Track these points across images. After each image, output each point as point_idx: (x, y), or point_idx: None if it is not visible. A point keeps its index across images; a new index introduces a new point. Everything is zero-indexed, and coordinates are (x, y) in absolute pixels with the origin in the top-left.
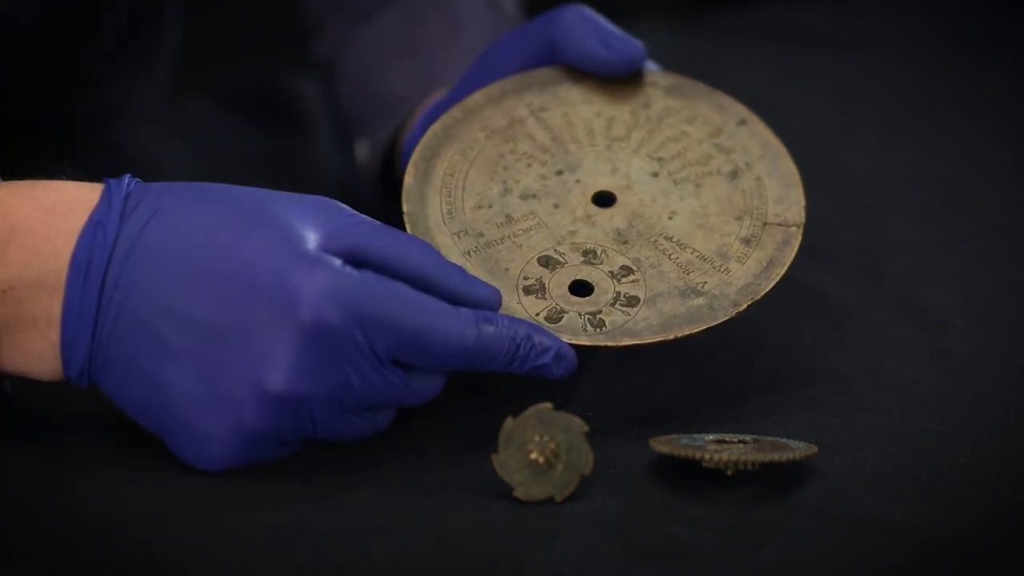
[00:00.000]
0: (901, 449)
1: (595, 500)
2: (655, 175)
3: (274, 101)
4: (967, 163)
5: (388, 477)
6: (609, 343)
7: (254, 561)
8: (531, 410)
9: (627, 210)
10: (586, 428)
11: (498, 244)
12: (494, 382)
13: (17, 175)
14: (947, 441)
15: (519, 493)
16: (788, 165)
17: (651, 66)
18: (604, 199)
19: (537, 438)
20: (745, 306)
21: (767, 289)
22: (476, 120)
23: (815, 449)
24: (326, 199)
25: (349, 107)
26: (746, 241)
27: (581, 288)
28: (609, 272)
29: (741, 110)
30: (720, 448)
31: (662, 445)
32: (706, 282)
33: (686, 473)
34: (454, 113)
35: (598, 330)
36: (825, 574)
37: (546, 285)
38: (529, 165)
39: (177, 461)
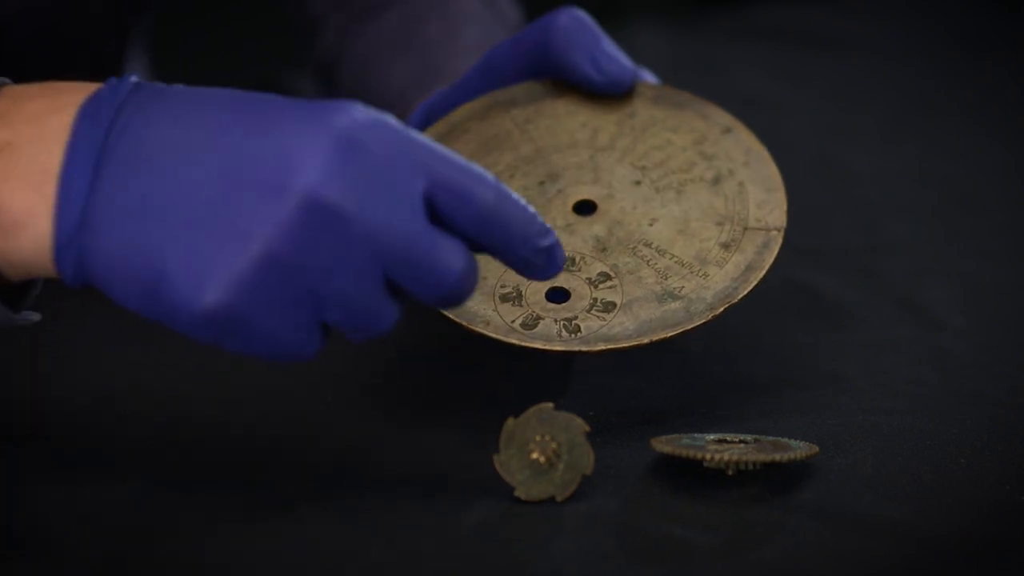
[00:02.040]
0: (901, 449)
1: (596, 500)
2: (637, 183)
3: None
4: (967, 163)
5: (388, 477)
6: (583, 348)
7: (253, 562)
8: (532, 410)
9: (608, 218)
10: (587, 428)
11: (476, 253)
12: (494, 382)
13: None
14: (947, 441)
15: (520, 493)
16: (771, 170)
17: (647, 76)
18: (585, 208)
19: (538, 438)
20: (721, 309)
21: (744, 292)
22: (461, 134)
23: (816, 449)
24: (353, 119)
25: None
26: (725, 246)
27: (558, 295)
28: (587, 279)
29: (726, 118)
30: (721, 448)
31: (663, 445)
32: (683, 286)
33: (687, 473)
34: (439, 127)
35: (573, 335)
36: (825, 574)
37: (523, 293)
38: (512, 176)
39: (177, 461)
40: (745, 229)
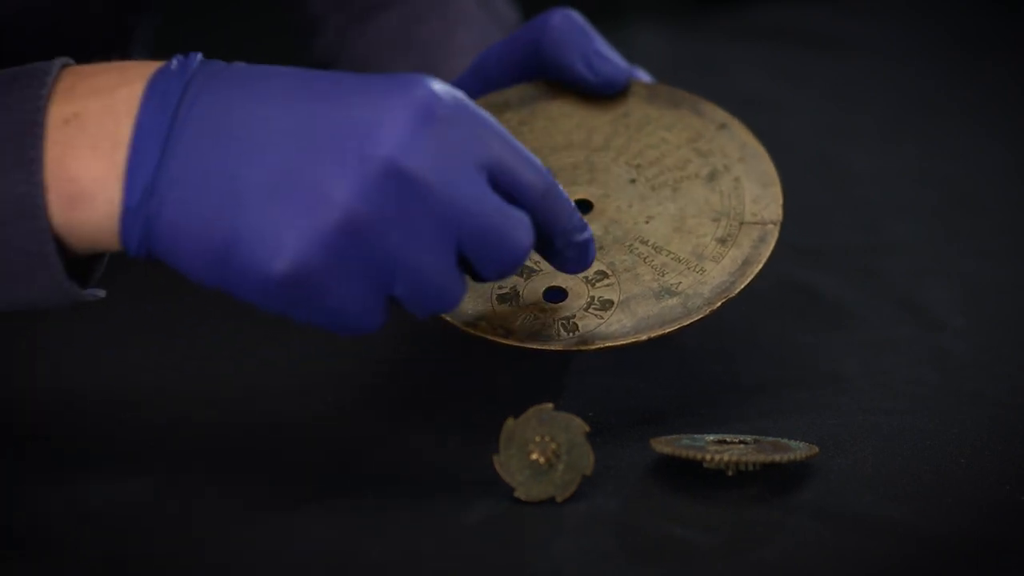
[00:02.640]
0: (901, 449)
1: (596, 500)
2: (633, 181)
3: None
4: (967, 163)
5: (388, 477)
6: (581, 347)
7: (254, 561)
8: (532, 410)
9: (604, 217)
10: (587, 428)
11: None
12: (494, 382)
13: None
14: (947, 441)
15: (520, 493)
16: (767, 165)
17: (641, 75)
18: (581, 207)
19: (538, 438)
20: (719, 304)
21: (742, 286)
22: None
23: (816, 449)
24: (426, 91)
25: None
26: (722, 241)
27: (556, 294)
28: (584, 278)
29: (721, 115)
30: (721, 449)
31: (663, 445)
32: (680, 282)
33: (687, 473)
34: None
35: (571, 334)
36: (825, 574)
37: (520, 293)
38: None
39: (177, 461)
40: (741, 224)
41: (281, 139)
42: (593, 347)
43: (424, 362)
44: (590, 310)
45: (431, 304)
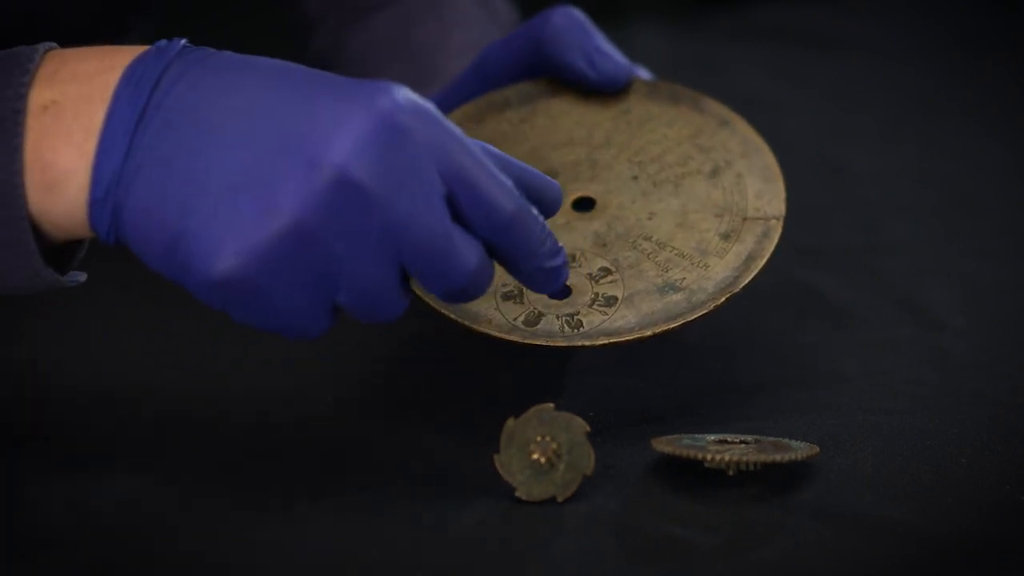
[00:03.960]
0: (901, 449)
1: (596, 500)
2: (635, 178)
3: None
4: (967, 163)
5: (388, 477)
6: (586, 343)
7: (254, 561)
8: (532, 410)
9: (607, 214)
10: (587, 428)
11: None
12: (494, 382)
13: None
14: (947, 441)
15: (521, 493)
16: (769, 160)
17: (640, 72)
18: (584, 204)
19: (538, 438)
20: (724, 299)
21: (746, 281)
22: None
23: (816, 449)
24: (392, 102)
25: None
26: (725, 236)
27: (559, 291)
28: (587, 274)
29: (723, 111)
30: (722, 448)
31: (664, 445)
32: (684, 278)
33: (687, 473)
34: None
35: (575, 331)
36: (825, 574)
37: (524, 291)
38: None
39: (177, 461)
40: (744, 219)
41: (241, 137)
42: (598, 343)
43: (424, 362)
44: (594, 306)
45: (373, 315)
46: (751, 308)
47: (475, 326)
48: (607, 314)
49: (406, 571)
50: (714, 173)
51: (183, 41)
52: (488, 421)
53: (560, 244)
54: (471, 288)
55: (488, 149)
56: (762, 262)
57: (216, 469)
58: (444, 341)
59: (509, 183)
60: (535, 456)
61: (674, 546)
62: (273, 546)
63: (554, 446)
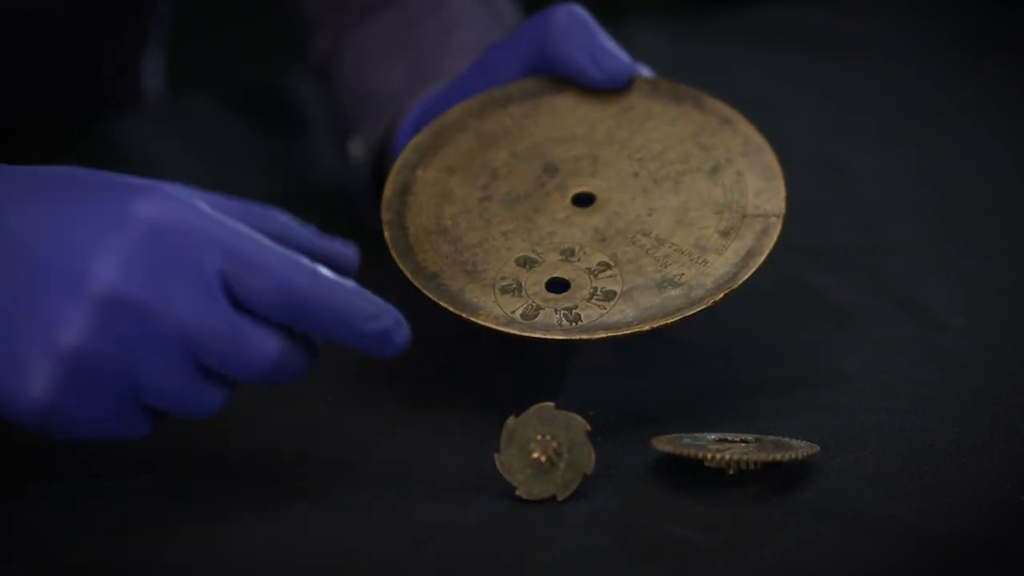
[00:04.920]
0: (902, 449)
1: (596, 500)
2: (635, 175)
3: (274, 101)
4: (967, 163)
5: (388, 477)
6: (584, 336)
7: (254, 561)
8: (533, 409)
9: (606, 210)
10: (588, 427)
11: (476, 247)
12: (494, 381)
13: None
14: (948, 440)
15: (521, 492)
16: (770, 159)
17: (643, 71)
18: (584, 199)
19: (539, 437)
20: (722, 295)
21: (745, 277)
22: (458, 132)
23: (817, 448)
24: (155, 214)
25: (347, 104)
26: (724, 233)
27: (558, 285)
28: (586, 269)
29: (724, 110)
30: (722, 447)
31: (664, 444)
32: (683, 273)
33: (687, 472)
34: (433, 127)
35: (573, 324)
36: (825, 573)
37: (523, 284)
38: (510, 171)
39: (177, 461)
40: (744, 216)
41: (9, 270)
42: (596, 337)
43: (424, 362)
44: (592, 300)
45: (190, 412)
46: (751, 308)
47: (473, 318)
48: (605, 308)
49: (406, 571)
50: (714, 171)
51: None
52: (488, 421)
53: (387, 304)
54: (280, 373)
55: (272, 225)
56: (761, 259)
57: (216, 469)
58: (444, 341)
59: (298, 259)
60: (535, 455)
61: (674, 546)
62: (273, 546)
63: (554, 445)
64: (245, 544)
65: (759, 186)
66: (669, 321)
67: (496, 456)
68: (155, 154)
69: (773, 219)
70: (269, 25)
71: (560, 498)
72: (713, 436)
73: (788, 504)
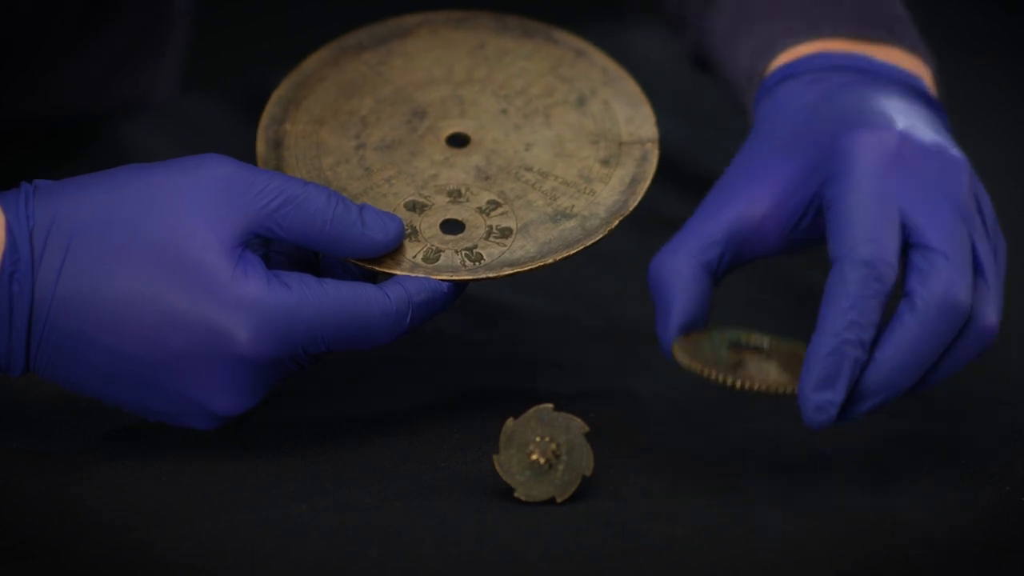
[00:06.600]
0: (901, 449)
1: (596, 500)
2: (504, 111)
3: None
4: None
5: (388, 477)
6: (490, 274)
7: (254, 561)
8: (532, 411)
9: (483, 148)
10: (587, 428)
11: (362, 196)
12: (493, 381)
13: (19, 175)
14: (947, 441)
15: (520, 494)
16: (632, 86)
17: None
18: (458, 140)
19: (538, 439)
20: (616, 223)
21: (635, 204)
22: (317, 83)
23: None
24: (221, 168)
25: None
26: (605, 162)
27: (452, 227)
28: (477, 208)
29: (577, 42)
30: (739, 355)
31: (685, 356)
32: (574, 205)
33: (687, 473)
34: (293, 78)
35: (477, 263)
36: (825, 574)
37: (418, 228)
38: (378, 118)
39: (177, 461)
40: (620, 144)
41: (134, 374)
42: (502, 274)
43: (424, 362)
44: (491, 239)
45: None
46: (749, 307)
47: (376, 267)
48: (505, 245)
49: (406, 571)
50: (581, 102)
51: (29, 253)
52: (488, 421)
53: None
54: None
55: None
56: (646, 184)
57: (216, 469)
58: (444, 341)
59: (386, 306)
60: (534, 457)
61: (674, 546)
62: (274, 545)
63: (553, 447)
64: (245, 544)
65: (628, 114)
66: (571, 252)
67: (495, 457)
68: (158, 154)
69: (649, 144)
70: (275, 26)
71: (559, 499)
72: (730, 333)
73: (788, 505)
